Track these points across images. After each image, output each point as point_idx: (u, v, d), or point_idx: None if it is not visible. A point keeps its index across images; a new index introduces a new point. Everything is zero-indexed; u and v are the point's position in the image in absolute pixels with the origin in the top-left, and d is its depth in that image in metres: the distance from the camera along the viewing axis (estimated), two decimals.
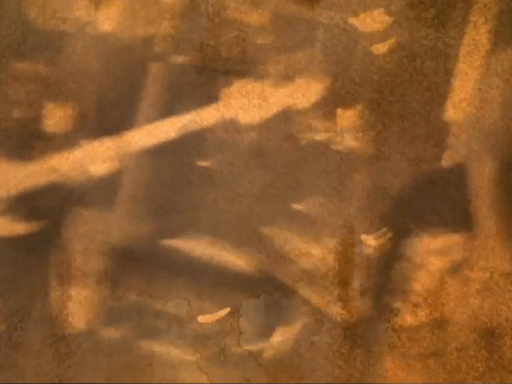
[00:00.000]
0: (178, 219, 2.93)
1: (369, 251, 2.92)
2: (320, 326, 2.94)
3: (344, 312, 2.94)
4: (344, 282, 2.92)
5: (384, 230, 2.92)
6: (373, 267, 2.93)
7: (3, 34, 2.75)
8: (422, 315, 2.94)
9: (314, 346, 2.90)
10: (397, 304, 2.95)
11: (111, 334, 2.88)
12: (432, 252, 2.96)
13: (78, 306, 2.80)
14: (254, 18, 2.87)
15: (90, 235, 2.84)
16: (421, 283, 2.95)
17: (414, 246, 2.95)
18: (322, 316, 2.93)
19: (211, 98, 2.95)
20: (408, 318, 2.93)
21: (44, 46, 2.83)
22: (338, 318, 2.93)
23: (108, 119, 2.85)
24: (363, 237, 2.93)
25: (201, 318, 2.90)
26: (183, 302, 2.90)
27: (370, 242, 2.92)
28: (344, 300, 2.92)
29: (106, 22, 2.83)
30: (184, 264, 2.91)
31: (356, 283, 2.92)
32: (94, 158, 2.70)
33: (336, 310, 2.93)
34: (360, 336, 2.92)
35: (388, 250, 2.95)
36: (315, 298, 2.92)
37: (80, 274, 2.85)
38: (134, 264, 2.88)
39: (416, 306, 2.94)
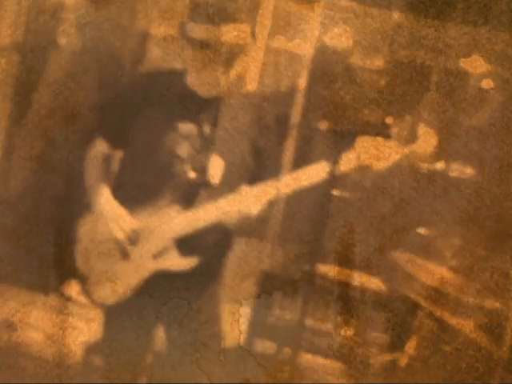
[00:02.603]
0: (317, 246, 3.12)
1: None
2: (442, 336, 3.04)
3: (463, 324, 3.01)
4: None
5: None
6: None
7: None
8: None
9: (440, 354, 3.03)
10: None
11: (270, 347, 3.13)
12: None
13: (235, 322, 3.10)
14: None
15: (245, 261, 3.12)
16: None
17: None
18: (444, 328, 3.03)
19: (346, 147, 2.99)
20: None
21: (205, 109, 3.00)
22: (459, 327, 3.01)
23: (260, 167, 3.04)
24: None
25: (343, 332, 3.10)
26: (329, 317, 3.12)
27: None
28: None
29: (251, 82, 3.08)
30: (323, 285, 3.11)
31: None
32: (250, 200, 2.97)
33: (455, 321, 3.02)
34: None
35: None
36: (438, 313, 3.04)
37: (232, 294, 3.10)
38: (282, 285, 3.13)
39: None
